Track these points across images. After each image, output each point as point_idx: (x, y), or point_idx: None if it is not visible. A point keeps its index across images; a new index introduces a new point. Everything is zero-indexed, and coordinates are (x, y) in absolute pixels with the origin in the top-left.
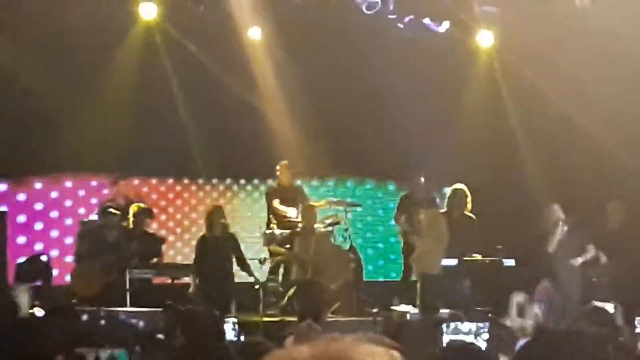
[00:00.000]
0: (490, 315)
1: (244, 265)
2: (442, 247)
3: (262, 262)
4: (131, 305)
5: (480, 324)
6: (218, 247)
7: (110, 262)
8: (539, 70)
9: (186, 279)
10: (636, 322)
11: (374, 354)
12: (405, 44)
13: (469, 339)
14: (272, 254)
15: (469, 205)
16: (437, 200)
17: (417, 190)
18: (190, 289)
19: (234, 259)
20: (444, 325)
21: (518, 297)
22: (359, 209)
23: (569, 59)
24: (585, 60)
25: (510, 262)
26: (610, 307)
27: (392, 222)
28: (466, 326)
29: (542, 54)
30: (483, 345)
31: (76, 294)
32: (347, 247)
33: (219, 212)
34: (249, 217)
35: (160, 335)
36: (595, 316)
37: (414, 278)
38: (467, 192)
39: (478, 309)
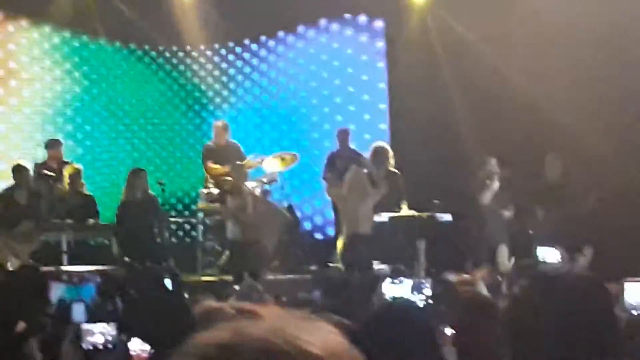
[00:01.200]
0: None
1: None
2: (366, 204)
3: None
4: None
5: (421, 280)
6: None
7: (48, 224)
8: (473, 25)
9: None
10: None
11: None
12: None
13: (409, 295)
14: (206, 212)
15: (392, 161)
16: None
17: (344, 147)
18: (115, 251)
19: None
20: (383, 282)
21: None
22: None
23: (505, 13)
24: (522, 13)
25: (447, 217)
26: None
27: None
28: (406, 282)
29: (477, 6)
30: (422, 302)
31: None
32: (284, 205)
33: (139, 174)
34: None
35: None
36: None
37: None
38: (388, 149)
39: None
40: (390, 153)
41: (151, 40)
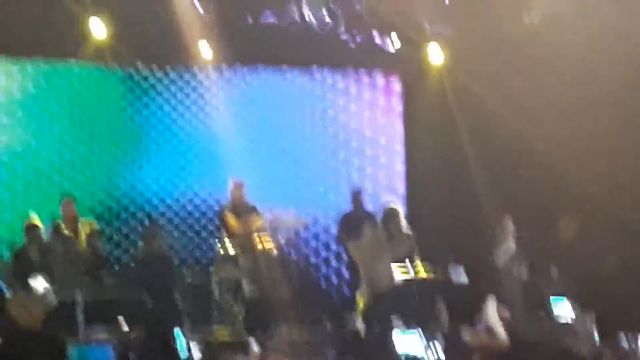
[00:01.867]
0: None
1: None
2: (386, 263)
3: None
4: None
5: (433, 338)
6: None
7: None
8: (489, 88)
9: None
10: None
11: None
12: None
13: (422, 352)
14: (221, 279)
15: (403, 222)
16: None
17: (358, 208)
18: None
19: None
20: (397, 341)
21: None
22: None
23: (519, 76)
24: (536, 76)
25: (463, 279)
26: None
27: None
28: (419, 340)
29: (493, 70)
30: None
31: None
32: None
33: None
34: None
35: None
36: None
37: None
38: (400, 209)
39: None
40: (402, 214)
41: None
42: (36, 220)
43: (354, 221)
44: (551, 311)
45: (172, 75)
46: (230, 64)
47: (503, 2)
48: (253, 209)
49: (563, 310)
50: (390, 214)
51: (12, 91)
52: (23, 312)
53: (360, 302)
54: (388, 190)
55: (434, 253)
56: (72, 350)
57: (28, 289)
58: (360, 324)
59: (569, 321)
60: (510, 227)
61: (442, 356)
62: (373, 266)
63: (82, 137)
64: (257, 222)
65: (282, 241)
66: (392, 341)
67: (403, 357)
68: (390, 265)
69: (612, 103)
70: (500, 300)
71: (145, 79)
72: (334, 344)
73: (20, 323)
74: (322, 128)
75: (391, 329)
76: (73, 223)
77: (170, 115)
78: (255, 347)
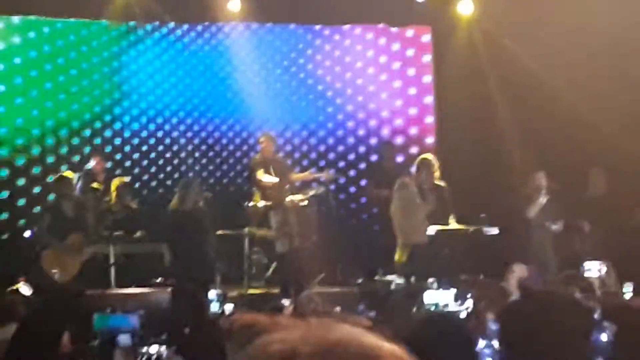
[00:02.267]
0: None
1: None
2: (419, 217)
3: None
4: (115, 277)
5: (462, 291)
6: (193, 221)
7: (94, 237)
8: (520, 40)
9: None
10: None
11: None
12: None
13: (451, 306)
14: (252, 235)
15: (437, 174)
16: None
17: (389, 161)
18: (167, 262)
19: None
20: (426, 294)
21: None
22: (341, 180)
23: (548, 28)
24: (563, 28)
25: (493, 231)
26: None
27: None
28: (448, 294)
29: (522, 24)
30: (464, 313)
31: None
32: (330, 218)
33: (191, 184)
34: None
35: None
36: (575, 281)
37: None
38: (435, 161)
39: (462, 277)
40: (437, 166)
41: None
42: (68, 173)
43: (384, 173)
44: (582, 266)
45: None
46: (259, 19)
47: None
48: (284, 164)
49: (593, 266)
50: (425, 165)
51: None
52: (58, 265)
53: (397, 255)
54: (417, 143)
55: (464, 208)
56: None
57: (63, 243)
58: (395, 277)
59: (599, 276)
60: (543, 182)
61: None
62: (407, 220)
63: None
64: (290, 177)
65: (313, 195)
66: (424, 293)
67: (433, 308)
68: (424, 218)
69: None
70: (531, 255)
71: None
72: (364, 297)
73: (54, 276)
74: (349, 81)
75: (425, 281)
76: (105, 177)
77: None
78: (286, 301)
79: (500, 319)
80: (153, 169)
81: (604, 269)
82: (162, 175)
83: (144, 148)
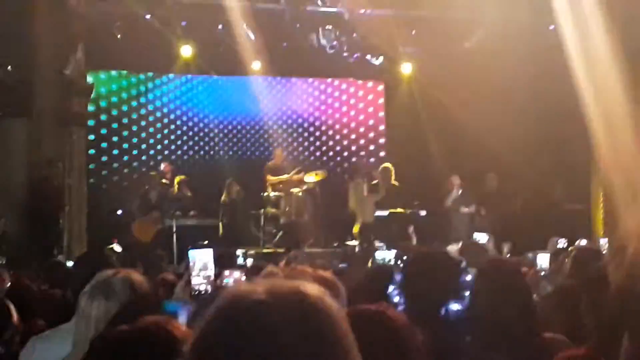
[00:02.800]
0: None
1: None
2: (365, 204)
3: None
4: (177, 242)
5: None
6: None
7: (163, 216)
8: (442, 90)
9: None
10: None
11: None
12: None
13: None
14: (268, 211)
15: (393, 177)
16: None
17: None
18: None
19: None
20: (377, 253)
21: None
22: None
23: (461, 83)
24: (472, 83)
25: (423, 213)
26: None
27: None
28: (391, 253)
29: (444, 79)
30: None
31: (141, 237)
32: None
33: (233, 184)
34: None
35: None
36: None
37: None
38: (392, 168)
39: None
40: (393, 172)
41: None
42: (153, 172)
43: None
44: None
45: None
46: (272, 74)
47: (450, 32)
48: (288, 168)
49: (483, 238)
50: (385, 171)
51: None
52: (142, 231)
53: (354, 229)
54: (374, 156)
55: (406, 198)
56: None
57: (147, 216)
58: (356, 242)
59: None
60: (456, 181)
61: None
62: (359, 206)
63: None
64: (292, 178)
65: (306, 188)
66: (374, 254)
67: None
68: (371, 205)
69: (521, 101)
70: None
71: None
72: (338, 256)
73: (141, 238)
74: (323, 119)
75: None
76: (171, 175)
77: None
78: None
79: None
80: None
81: (487, 238)
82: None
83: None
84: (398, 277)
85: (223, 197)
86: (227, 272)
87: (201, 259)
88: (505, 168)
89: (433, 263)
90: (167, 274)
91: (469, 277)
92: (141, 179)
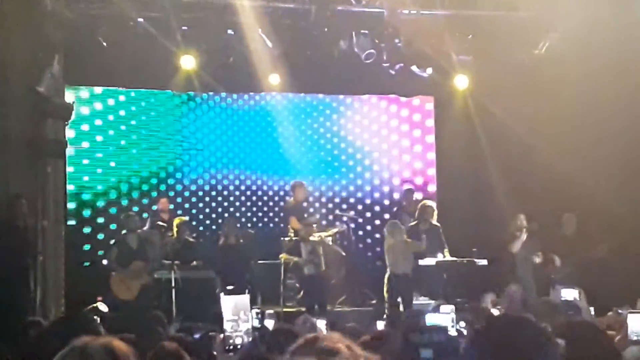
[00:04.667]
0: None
1: None
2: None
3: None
4: (176, 298)
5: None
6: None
7: (160, 264)
8: (505, 106)
9: None
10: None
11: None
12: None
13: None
14: (286, 261)
15: (435, 216)
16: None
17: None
18: (217, 289)
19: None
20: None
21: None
22: (360, 220)
23: (528, 97)
24: (542, 97)
25: (483, 262)
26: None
27: None
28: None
29: (507, 92)
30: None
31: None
32: (350, 250)
33: (230, 222)
34: None
35: None
36: (542, 306)
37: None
38: (434, 206)
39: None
40: (435, 211)
41: None
42: (132, 212)
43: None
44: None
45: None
46: (294, 90)
47: (515, 37)
48: (309, 214)
49: (570, 294)
50: (424, 209)
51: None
52: (122, 288)
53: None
54: (422, 190)
55: (459, 242)
56: None
57: (127, 269)
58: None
59: (571, 299)
60: (523, 222)
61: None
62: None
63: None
64: (314, 223)
65: (337, 232)
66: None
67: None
68: (409, 254)
69: (604, 120)
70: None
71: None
72: (375, 316)
73: (120, 296)
74: (367, 140)
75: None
76: (168, 216)
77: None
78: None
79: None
80: (207, 210)
81: (577, 295)
82: (214, 215)
83: (200, 193)
84: (467, 349)
85: (221, 241)
86: None
87: (235, 307)
88: (586, 205)
89: (518, 332)
90: (167, 343)
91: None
92: (126, 220)
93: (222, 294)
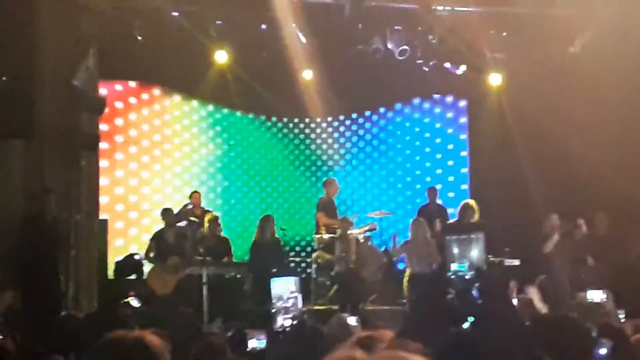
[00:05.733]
0: None
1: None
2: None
3: (310, 261)
4: (208, 294)
5: None
6: (268, 251)
7: (191, 260)
8: (539, 105)
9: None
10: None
11: None
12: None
13: None
14: (320, 256)
15: (477, 216)
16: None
17: (432, 202)
18: (246, 285)
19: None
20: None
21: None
22: (391, 217)
23: (564, 95)
24: (578, 95)
25: (515, 262)
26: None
27: None
28: None
29: (542, 91)
30: None
31: (157, 289)
32: (382, 249)
33: (270, 220)
34: None
35: None
36: (576, 308)
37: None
38: (474, 205)
39: None
40: (476, 208)
41: (277, 112)
42: (170, 206)
43: (428, 212)
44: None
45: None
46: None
47: (550, 34)
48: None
49: (597, 296)
50: (466, 208)
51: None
52: (159, 282)
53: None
54: (453, 189)
55: (492, 242)
56: None
57: (164, 264)
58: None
59: (598, 301)
60: (556, 223)
61: None
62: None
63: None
64: (343, 222)
65: (367, 229)
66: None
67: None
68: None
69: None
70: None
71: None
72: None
73: (157, 291)
74: (390, 143)
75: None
76: (201, 212)
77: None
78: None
79: None
80: (239, 207)
81: (605, 297)
82: (246, 211)
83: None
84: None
85: (255, 236)
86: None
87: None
88: (621, 206)
89: (564, 333)
90: (214, 338)
91: (604, 351)
92: (164, 215)
93: (271, 279)
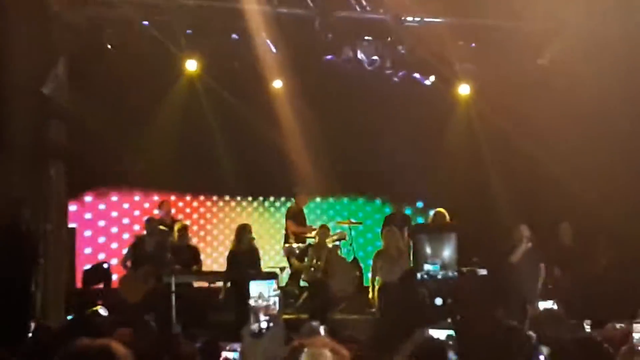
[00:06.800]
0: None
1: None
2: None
3: (281, 270)
4: (176, 304)
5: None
6: (245, 259)
7: (159, 269)
8: (507, 115)
9: (219, 284)
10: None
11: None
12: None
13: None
14: (291, 265)
15: (447, 220)
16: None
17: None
18: (221, 295)
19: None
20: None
21: None
22: (360, 227)
23: (532, 106)
24: (545, 107)
25: (483, 272)
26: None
27: None
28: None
29: (510, 102)
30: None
31: (128, 296)
32: (351, 258)
33: (246, 229)
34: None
35: None
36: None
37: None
38: (446, 214)
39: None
40: (447, 218)
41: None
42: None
43: (395, 221)
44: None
45: None
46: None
47: (519, 46)
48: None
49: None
50: (438, 216)
51: None
52: (131, 290)
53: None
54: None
55: (460, 252)
56: None
57: (136, 272)
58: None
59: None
60: (525, 233)
61: None
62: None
63: None
64: (321, 229)
65: (336, 238)
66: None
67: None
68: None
69: (608, 130)
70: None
71: None
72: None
73: (128, 298)
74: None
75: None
76: (169, 221)
77: None
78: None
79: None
80: (208, 216)
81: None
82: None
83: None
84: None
85: (232, 246)
86: None
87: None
88: (587, 217)
89: (500, 339)
90: (184, 347)
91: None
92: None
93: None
